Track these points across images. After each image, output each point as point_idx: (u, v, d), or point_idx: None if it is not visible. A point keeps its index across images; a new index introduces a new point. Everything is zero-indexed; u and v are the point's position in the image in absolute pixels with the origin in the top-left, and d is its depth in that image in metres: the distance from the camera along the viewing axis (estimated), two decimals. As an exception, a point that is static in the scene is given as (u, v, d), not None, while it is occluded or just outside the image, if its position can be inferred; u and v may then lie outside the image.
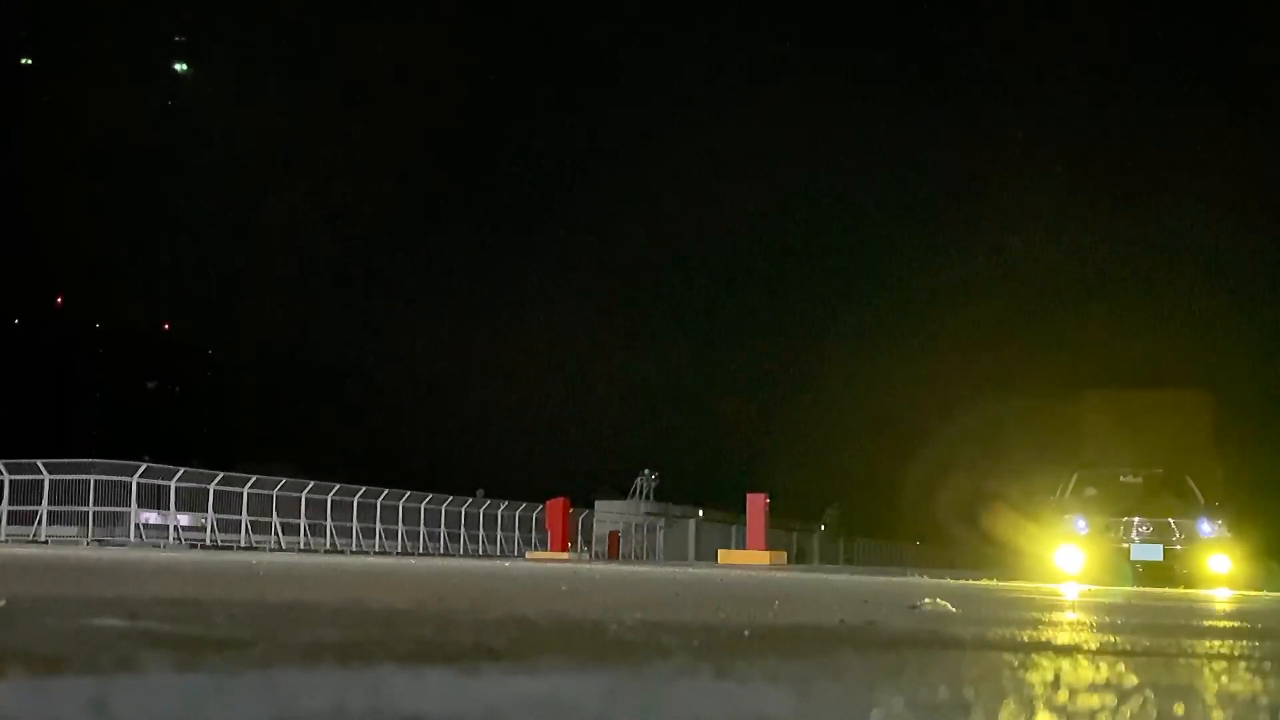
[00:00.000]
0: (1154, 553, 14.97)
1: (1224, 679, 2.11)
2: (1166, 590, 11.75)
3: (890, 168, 38.81)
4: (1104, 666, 2.27)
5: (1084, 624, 3.79)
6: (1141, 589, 13.03)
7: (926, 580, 10.58)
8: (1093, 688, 1.94)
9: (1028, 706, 1.70)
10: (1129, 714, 1.65)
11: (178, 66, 46.49)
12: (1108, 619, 4.23)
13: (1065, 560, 15.06)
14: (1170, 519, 15.23)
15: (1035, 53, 43.35)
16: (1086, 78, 43.42)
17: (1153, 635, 3.25)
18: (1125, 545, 15.06)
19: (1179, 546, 15.00)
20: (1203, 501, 15.77)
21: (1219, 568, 14.85)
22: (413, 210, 49.05)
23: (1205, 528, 15.04)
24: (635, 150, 41.63)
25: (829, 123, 39.23)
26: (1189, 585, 14.62)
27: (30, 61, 45.11)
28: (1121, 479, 16.48)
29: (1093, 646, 2.74)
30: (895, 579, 8.63)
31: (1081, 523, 15.41)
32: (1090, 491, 16.19)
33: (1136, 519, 15.28)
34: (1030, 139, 42.98)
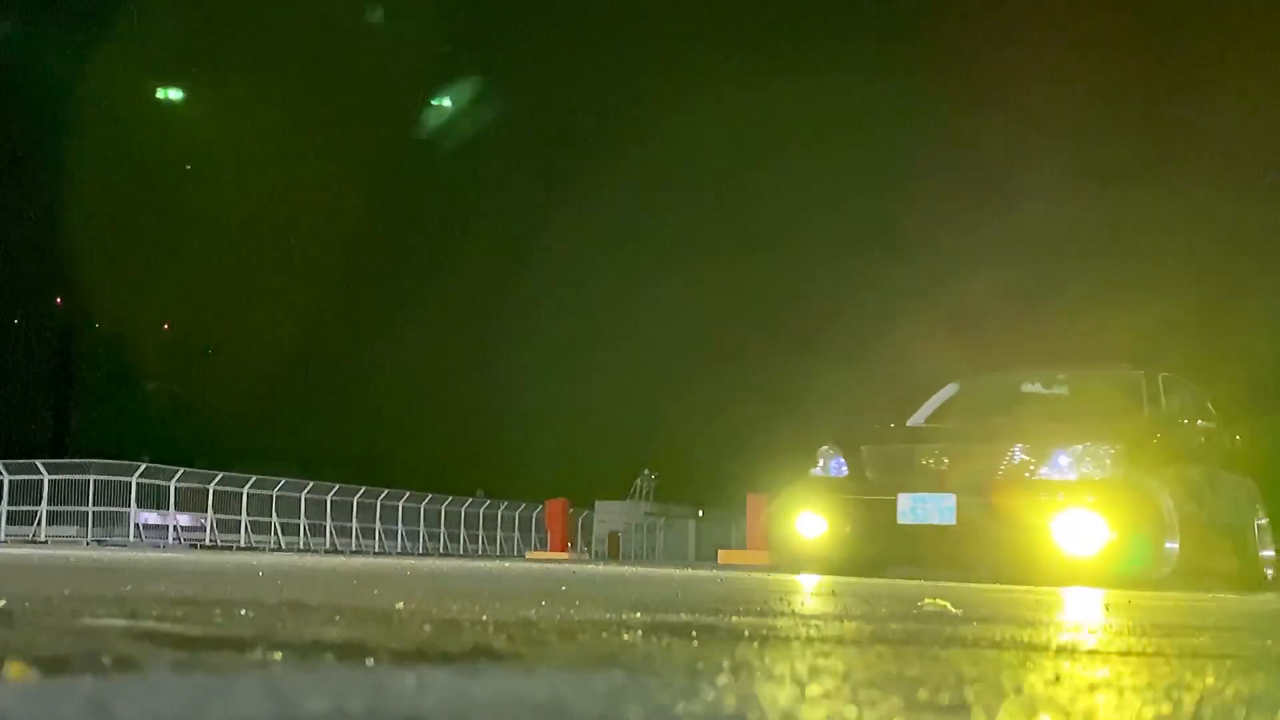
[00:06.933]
0: (938, 510, 8.53)
1: None
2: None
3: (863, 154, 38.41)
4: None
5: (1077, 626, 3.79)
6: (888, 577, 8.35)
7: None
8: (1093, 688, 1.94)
9: (1027, 706, 1.70)
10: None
11: (180, 69, 46.55)
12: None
13: (808, 530, 9.23)
14: (999, 446, 8.72)
15: None
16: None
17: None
18: (891, 497, 8.76)
19: (993, 498, 8.48)
20: (1157, 415, 9.42)
21: (1075, 541, 8.12)
22: (410, 209, 49.09)
23: (1063, 460, 8.40)
24: (631, 148, 41.66)
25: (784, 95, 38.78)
26: (999, 567, 8.68)
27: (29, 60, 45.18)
28: (1024, 388, 10.46)
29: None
30: (895, 580, 8.61)
31: (838, 463, 9.26)
32: (958, 418, 10.00)
33: (927, 448, 8.95)
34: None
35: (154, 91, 47.18)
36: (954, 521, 8.54)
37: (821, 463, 9.40)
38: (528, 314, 45.86)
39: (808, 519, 9.23)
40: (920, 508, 8.66)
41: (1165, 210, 29.34)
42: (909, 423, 10.23)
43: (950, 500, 8.55)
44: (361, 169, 47.23)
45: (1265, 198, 29.67)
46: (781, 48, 42.62)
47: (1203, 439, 9.83)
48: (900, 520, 8.72)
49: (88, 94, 44.43)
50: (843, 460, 9.28)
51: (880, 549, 9.08)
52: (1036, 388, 10.47)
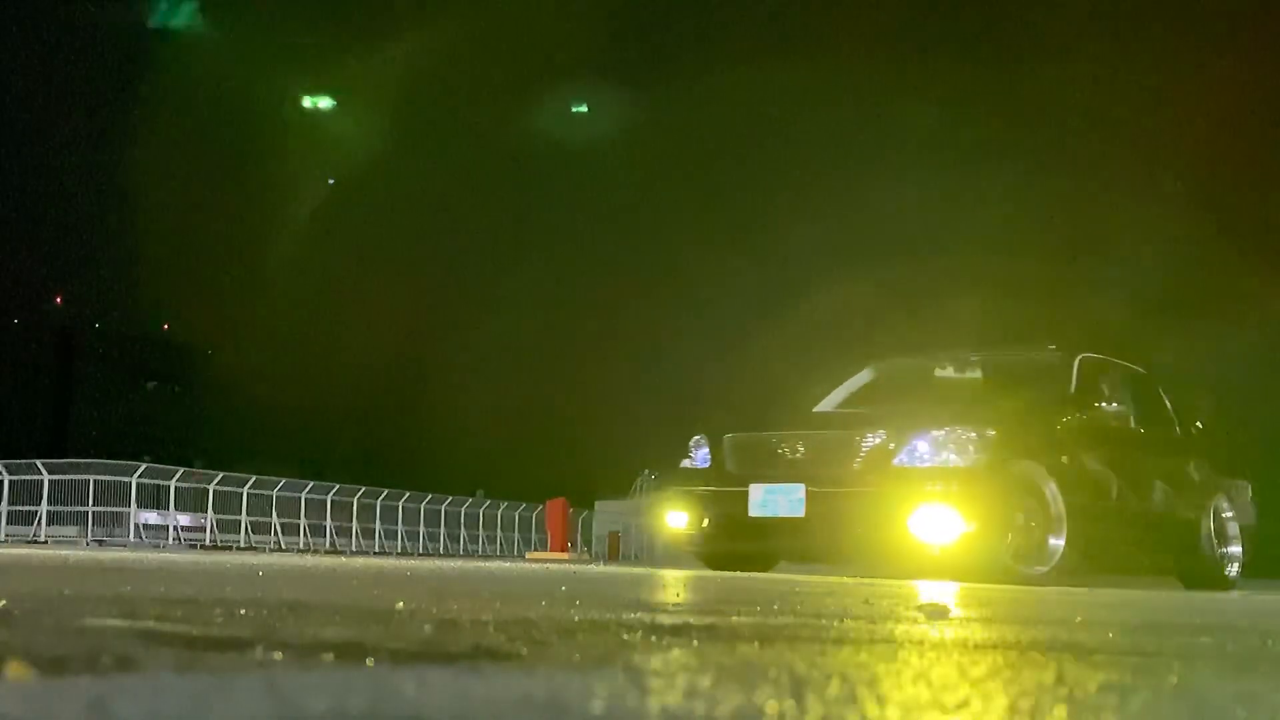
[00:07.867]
0: (787, 501, 7.99)
1: None
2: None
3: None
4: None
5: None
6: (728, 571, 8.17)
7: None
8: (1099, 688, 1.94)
9: (1028, 704, 1.70)
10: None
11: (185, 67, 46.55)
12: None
13: (674, 523, 8.83)
14: (854, 433, 8.07)
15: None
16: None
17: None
18: (744, 489, 8.28)
19: (844, 488, 7.89)
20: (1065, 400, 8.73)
21: (928, 533, 7.57)
22: (408, 208, 49.10)
23: (920, 447, 7.76)
24: (625, 145, 41.68)
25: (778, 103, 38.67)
26: (850, 560, 8.52)
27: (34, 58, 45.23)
28: (937, 371, 9.83)
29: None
30: (894, 580, 8.61)
31: (704, 454, 8.80)
32: (862, 403, 9.43)
33: (785, 436, 8.35)
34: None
35: (149, 86, 47.18)
36: (802, 514, 7.96)
37: (692, 453, 8.92)
38: (528, 314, 45.87)
39: (673, 512, 8.83)
40: (771, 500, 8.12)
41: (1138, 198, 29.35)
42: (815, 409, 9.66)
43: (800, 491, 7.99)
44: (359, 170, 47.25)
45: (1243, 188, 29.61)
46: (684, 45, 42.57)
47: (1134, 425, 9.09)
48: (751, 513, 8.20)
49: (86, 91, 44.43)
50: (707, 451, 8.79)
51: (733, 543, 8.62)
52: (949, 371, 9.81)
